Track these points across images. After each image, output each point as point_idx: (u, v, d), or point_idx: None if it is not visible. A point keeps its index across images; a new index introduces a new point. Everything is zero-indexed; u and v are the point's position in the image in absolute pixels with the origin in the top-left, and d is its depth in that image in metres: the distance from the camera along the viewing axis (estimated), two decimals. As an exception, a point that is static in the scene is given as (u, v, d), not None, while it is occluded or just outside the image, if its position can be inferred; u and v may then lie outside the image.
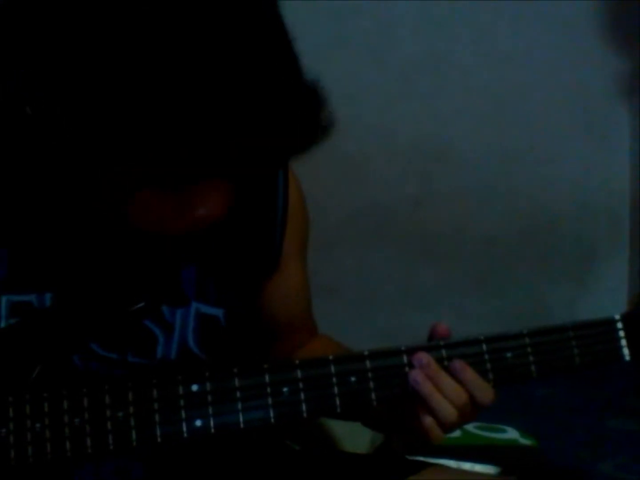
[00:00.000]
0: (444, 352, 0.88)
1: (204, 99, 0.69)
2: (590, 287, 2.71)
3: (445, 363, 0.88)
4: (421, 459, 1.02)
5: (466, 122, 2.57)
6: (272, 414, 0.84)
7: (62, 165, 0.73)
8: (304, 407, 0.85)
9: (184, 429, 0.83)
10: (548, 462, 1.70)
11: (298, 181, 1.02)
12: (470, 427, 1.65)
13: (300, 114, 0.74)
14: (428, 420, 0.86)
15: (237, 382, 0.84)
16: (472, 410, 0.88)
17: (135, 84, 0.68)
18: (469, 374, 0.87)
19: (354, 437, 1.21)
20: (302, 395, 0.85)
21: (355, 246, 2.55)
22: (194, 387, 0.84)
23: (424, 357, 0.87)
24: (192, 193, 0.76)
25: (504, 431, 1.67)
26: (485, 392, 0.87)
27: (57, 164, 0.73)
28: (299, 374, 0.85)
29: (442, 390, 0.86)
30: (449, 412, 0.86)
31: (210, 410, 0.83)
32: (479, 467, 1.36)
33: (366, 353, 0.88)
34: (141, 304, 0.88)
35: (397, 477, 0.95)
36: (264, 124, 0.71)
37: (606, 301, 2.67)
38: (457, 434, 1.60)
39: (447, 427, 0.87)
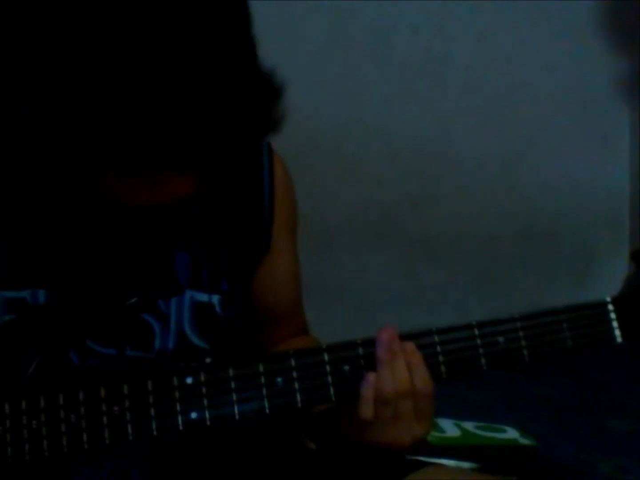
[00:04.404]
0: (436, 338, 0.88)
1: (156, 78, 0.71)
2: (590, 287, 2.70)
3: (438, 349, 0.87)
4: (421, 458, 1.02)
5: (466, 122, 2.57)
6: (267, 405, 0.85)
7: (43, 145, 0.75)
8: (298, 397, 0.85)
9: (180, 421, 0.83)
10: (548, 462, 1.70)
11: (284, 164, 1.02)
12: (470, 427, 1.65)
13: (250, 99, 0.75)
14: (368, 393, 0.84)
15: (231, 373, 0.84)
16: (410, 405, 0.86)
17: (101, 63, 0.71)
18: (417, 357, 0.86)
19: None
20: (296, 385, 0.85)
21: (355, 246, 2.55)
22: (189, 380, 0.84)
23: (388, 332, 0.86)
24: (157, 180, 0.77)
25: (504, 431, 1.67)
26: (425, 380, 0.86)
27: (37, 142, 0.75)
28: (292, 362, 0.85)
29: (393, 367, 0.85)
30: (389, 388, 0.85)
31: (205, 402, 0.84)
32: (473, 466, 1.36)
33: (359, 341, 0.87)
34: (134, 300, 0.89)
35: (396, 476, 0.95)
36: (210, 106, 0.72)
37: (606, 301, 2.66)
38: (457, 433, 1.60)
39: (380, 409, 0.85)
